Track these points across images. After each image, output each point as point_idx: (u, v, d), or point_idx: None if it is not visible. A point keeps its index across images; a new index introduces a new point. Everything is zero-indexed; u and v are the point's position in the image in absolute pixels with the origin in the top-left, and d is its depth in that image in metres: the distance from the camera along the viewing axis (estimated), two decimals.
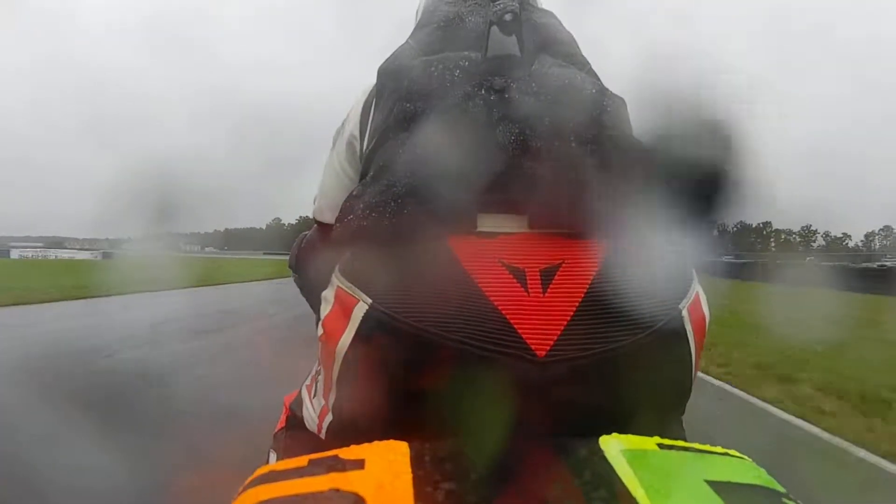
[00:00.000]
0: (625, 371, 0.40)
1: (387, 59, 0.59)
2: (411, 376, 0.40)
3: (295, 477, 0.32)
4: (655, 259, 0.45)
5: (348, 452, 0.33)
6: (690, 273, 0.48)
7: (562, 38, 0.61)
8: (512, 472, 0.34)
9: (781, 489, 0.33)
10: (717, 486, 0.31)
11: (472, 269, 0.41)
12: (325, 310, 0.47)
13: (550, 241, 0.44)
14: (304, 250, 0.72)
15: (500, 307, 0.40)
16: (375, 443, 0.34)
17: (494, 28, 0.55)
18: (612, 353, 0.39)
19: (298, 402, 0.56)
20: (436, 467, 0.32)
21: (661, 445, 0.35)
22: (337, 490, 0.30)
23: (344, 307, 0.44)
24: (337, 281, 0.46)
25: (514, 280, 0.41)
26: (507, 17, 0.56)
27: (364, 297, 0.43)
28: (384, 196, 0.45)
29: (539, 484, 0.33)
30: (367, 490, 0.29)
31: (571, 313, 0.40)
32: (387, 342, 0.41)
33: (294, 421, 0.56)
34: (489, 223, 0.44)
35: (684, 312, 0.44)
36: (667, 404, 0.46)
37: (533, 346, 0.38)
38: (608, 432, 0.37)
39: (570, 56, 0.58)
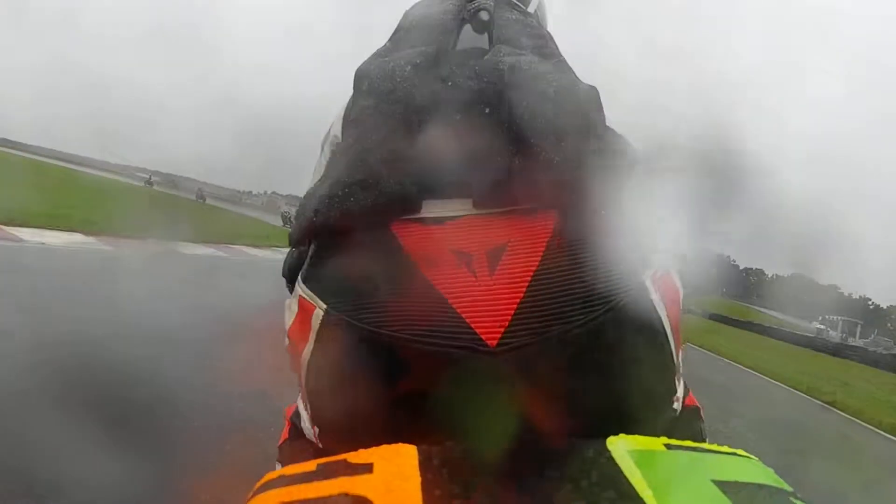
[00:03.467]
0: (587, 353, 0.38)
1: (362, 62, 0.60)
2: (373, 379, 0.39)
3: (304, 482, 0.32)
4: (612, 230, 0.43)
5: (356, 456, 0.33)
6: (655, 242, 0.45)
7: (531, 32, 0.60)
8: (519, 474, 0.34)
9: (789, 489, 0.33)
10: (724, 485, 0.31)
11: (418, 258, 0.40)
12: (289, 320, 0.47)
13: (497, 220, 0.42)
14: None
15: (447, 297, 0.38)
16: (384, 446, 0.34)
17: (467, 26, 0.56)
18: (569, 334, 0.37)
19: (297, 413, 0.56)
20: (444, 470, 0.32)
21: (668, 446, 0.35)
22: (346, 494, 0.30)
23: (304, 315, 0.44)
24: (299, 289, 0.46)
25: (462, 265, 0.40)
26: (482, 14, 0.56)
27: (320, 302, 0.42)
28: (331, 190, 0.45)
29: (547, 485, 0.33)
30: (376, 494, 0.30)
31: (521, 295, 0.38)
32: (344, 347, 0.40)
33: (296, 432, 0.56)
34: (434, 209, 0.43)
35: (648, 283, 0.41)
36: (644, 384, 0.42)
37: (484, 336, 0.37)
38: (585, 420, 0.37)
39: (536, 48, 0.57)
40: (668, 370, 0.44)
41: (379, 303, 0.39)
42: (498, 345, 0.37)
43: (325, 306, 0.42)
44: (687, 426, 0.59)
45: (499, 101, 0.46)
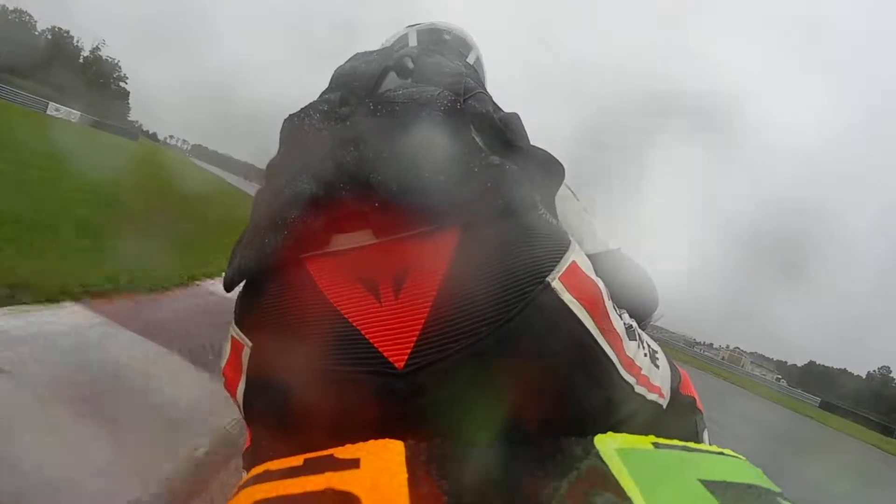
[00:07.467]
0: (499, 363, 0.39)
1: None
2: (300, 408, 0.41)
3: (290, 476, 0.32)
4: (513, 239, 0.43)
5: (343, 451, 0.33)
6: (563, 243, 0.45)
7: (447, 71, 0.62)
8: (507, 471, 0.34)
9: (776, 489, 0.33)
10: (711, 485, 0.31)
11: (327, 289, 0.42)
12: (224, 359, 0.49)
13: (400, 245, 0.43)
14: None
15: (355, 323, 0.40)
16: (371, 442, 0.34)
17: (392, 73, 0.60)
18: (478, 347, 0.38)
19: None
20: (431, 467, 0.32)
21: (655, 444, 0.35)
22: (332, 489, 0.30)
23: (236, 353, 0.46)
24: (232, 330, 0.48)
25: (367, 292, 0.41)
26: (406, 61, 0.60)
27: (247, 341, 0.45)
28: (249, 236, 0.49)
29: (534, 482, 0.33)
30: (363, 489, 0.29)
31: (425, 316, 0.39)
32: (271, 381, 0.42)
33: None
34: (342, 241, 0.45)
35: (555, 284, 0.41)
36: (569, 384, 0.41)
37: (391, 359, 0.38)
38: (513, 428, 0.37)
39: (448, 84, 0.57)
40: (600, 365, 0.43)
41: (296, 336, 0.42)
42: (405, 366, 0.38)
43: (251, 344, 0.44)
44: (679, 418, 0.59)
45: (390, 132, 0.48)
